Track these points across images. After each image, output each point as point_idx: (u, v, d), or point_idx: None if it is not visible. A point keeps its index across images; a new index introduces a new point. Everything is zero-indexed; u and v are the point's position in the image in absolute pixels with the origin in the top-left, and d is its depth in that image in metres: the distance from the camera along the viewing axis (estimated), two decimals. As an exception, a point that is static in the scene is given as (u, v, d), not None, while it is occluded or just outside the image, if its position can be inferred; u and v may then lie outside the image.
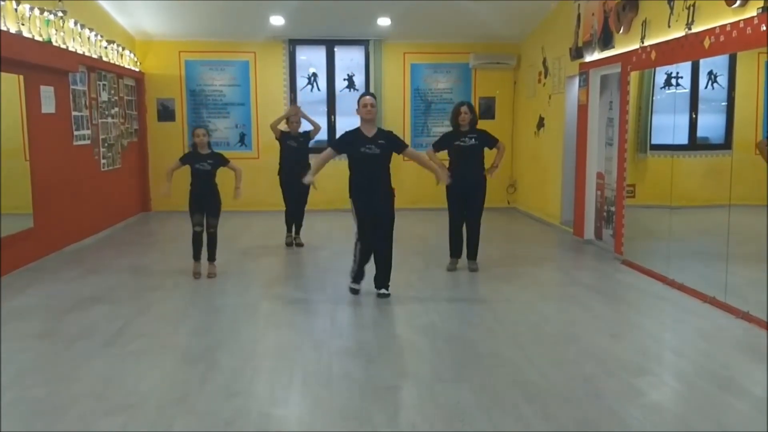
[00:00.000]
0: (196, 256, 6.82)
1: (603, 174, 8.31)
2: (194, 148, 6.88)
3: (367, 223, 6.02)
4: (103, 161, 9.37)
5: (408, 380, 4.21)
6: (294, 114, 8.52)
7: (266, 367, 4.44)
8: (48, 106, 7.67)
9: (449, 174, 6.68)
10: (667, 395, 3.99)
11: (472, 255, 7.16)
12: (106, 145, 9.45)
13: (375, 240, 6.04)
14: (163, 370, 4.37)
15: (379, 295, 6.05)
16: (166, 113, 11.35)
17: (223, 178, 6.97)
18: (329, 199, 10.45)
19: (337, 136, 8.81)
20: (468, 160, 6.97)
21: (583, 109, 8.68)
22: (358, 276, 6.15)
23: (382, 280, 6.12)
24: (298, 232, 8.60)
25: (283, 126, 8.47)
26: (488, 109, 11.75)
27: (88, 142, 8.84)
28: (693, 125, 6.81)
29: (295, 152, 8.41)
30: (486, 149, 7.07)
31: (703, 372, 4.30)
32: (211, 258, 6.87)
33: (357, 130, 6.10)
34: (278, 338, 5.03)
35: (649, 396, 3.93)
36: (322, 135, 11.36)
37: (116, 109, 9.93)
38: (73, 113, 8.36)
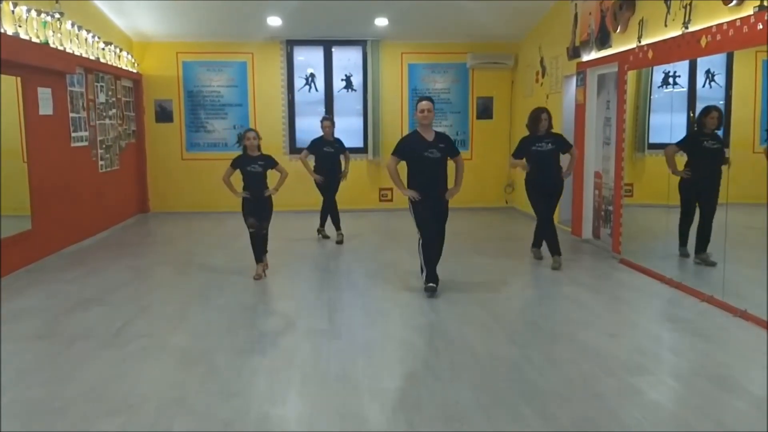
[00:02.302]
0: (258, 257, 6.88)
1: (601, 173, 8.32)
2: (244, 151, 6.80)
3: (430, 223, 6.13)
4: (101, 162, 9.37)
5: (406, 380, 4.21)
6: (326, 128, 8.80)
7: (265, 367, 4.45)
8: (45, 107, 7.66)
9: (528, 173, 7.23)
10: (665, 394, 4.00)
11: (554, 251, 7.24)
12: (104, 146, 9.45)
13: (435, 240, 6.21)
14: (162, 370, 4.37)
15: (427, 289, 6.09)
16: (163, 114, 11.34)
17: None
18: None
19: (335, 135, 8.86)
20: (547, 163, 7.10)
21: (580, 108, 8.69)
22: (430, 276, 6.14)
23: (431, 273, 6.19)
24: (339, 227, 8.84)
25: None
26: (486, 109, 11.76)
27: (86, 143, 8.83)
28: (691, 124, 6.83)
29: (331, 157, 8.76)
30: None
31: (701, 371, 4.31)
32: (262, 257, 6.96)
33: (416, 134, 6.23)
34: (276, 338, 5.03)
35: (648, 395, 3.93)
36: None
37: (114, 110, 9.92)
38: (71, 115, 8.36)
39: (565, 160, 7.25)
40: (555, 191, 7.23)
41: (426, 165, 6.10)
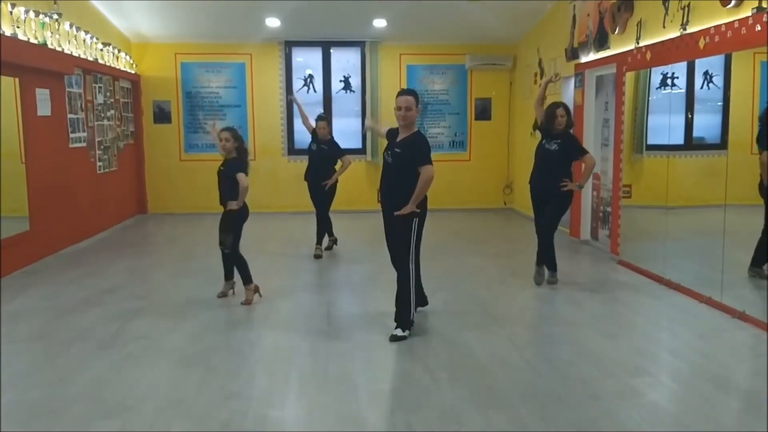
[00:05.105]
0: (226, 273, 6.10)
1: (599, 174, 8.32)
2: None
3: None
4: (99, 164, 9.36)
5: (404, 381, 4.21)
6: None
7: (262, 369, 4.44)
8: (44, 108, 7.66)
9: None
10: (663, 395, 4.00)
11: (549, 266, 6.53)
12: (102, 147, 9.44)
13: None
14: (159, 372, 4.36)
15: (389, 337, 4.98)
16: (162, 115, 11.34)
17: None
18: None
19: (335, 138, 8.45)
20: (545, 166, 6.33)
21: (578, 109, 8.69)
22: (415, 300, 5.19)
23: (396, 314, 5.08)
24: (331, 233, 8.27)
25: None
26: (484, 110, 11.77)
27: (84, 144, 8.83)
28: (689, 125, 6.83)
29: (314, 157, 8.04)
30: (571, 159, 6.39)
31: (700, 372, 4.31)
32: (244, 281, 5.97)
33: (396, 131, 5.20)
34: (274, 340, 5.02)
35: (646, 396, 3.93)
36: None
37: (112, 111, 9.92)
38: (69, 116, 8.35)
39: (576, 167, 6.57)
40: (550, 199, 6.32)
41: (383, 170, 5.21)
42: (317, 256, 7.97)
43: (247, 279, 5.97)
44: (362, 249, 8.41)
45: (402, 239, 5.02)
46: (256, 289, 6.00)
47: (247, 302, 5.91)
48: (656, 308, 5.79)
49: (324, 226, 8.11)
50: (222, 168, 5.87)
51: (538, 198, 6.48)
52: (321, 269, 7.54)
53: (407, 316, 5.04)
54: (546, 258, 6.52)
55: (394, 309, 5.16)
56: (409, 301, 5.04)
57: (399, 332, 4.97)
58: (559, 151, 6.27)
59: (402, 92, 5.08)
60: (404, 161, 4.97)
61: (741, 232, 5.83)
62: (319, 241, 8.08)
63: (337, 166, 8.11)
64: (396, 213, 4.95)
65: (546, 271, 6.57)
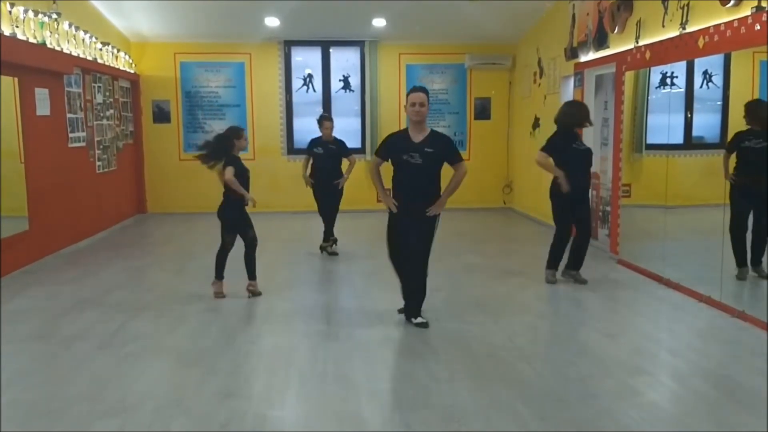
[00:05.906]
0: (218, 274, 6.19)
1: (598, 174, 8.31)
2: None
3: (394, 240, 5.35)
4: (98, 163, 9.35)
5: (404, 381, 4.21)
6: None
7: (262, 368, 4.44)
8: (43, 108, 7.65)
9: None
10: (663, 395, 4.00)
11: (579, 265, 6.60)
12: (101, 147, 9.44)
13: (405, 262, 5.30)
14: (159, 372, 4.36)
15: (416, 325, 5.23)
16: (161, 115, 11.34)
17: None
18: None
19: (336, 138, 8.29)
20: (582, 166, 6.41)
21: (578, 109, 8.69)
22: (404, 295, 5.41)
23: (411, 308, 5.31)
24: (332, 234, 8.14)
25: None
26: (484, 110, 11.77)
27: (84, 144, 8.82)
28: (688, 125, 6.83)
29: (320, 159, 8.02)
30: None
31: (699, 371, 4.32)
32: (252, 275, 6.23)
33: (404, 132, 5.29)
34: (274, 339, 5.02)
35: (646, 396, 3.93)
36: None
37: (111, 111, 9.91)
38: (68, 115, 8.34)
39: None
40: (584, 196, 6.50)
41: (405, 172, 5.13)
42: (324, 249, 8.09)
43: (253, 274, 6.25)
44: (362, 248, 8.41)
45: (427, 236, 5.19)
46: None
47: (256, 294, 6.20)
48: (655, 307, 5.80)
49: (332, 224, 8.15)
50: (243, 164, 6.16)
51: (572, 200, 6.42)
52: (321, 269, 7.54)
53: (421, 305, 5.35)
54: (556, 255, 6.62)
55: (394, 307, 5.47)
56: (425, 292, 5.33)
57: (421, 319, 5.27)
58: (589, 151, 6.50)
59: (415, 89, 5.18)
60: (436, 160, 5.13)
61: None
62: (327, 238, 8.13)
63: (343, 166, 8.14)
64: (429, 213, 5.12)
65: (556, 270, 6.66)
